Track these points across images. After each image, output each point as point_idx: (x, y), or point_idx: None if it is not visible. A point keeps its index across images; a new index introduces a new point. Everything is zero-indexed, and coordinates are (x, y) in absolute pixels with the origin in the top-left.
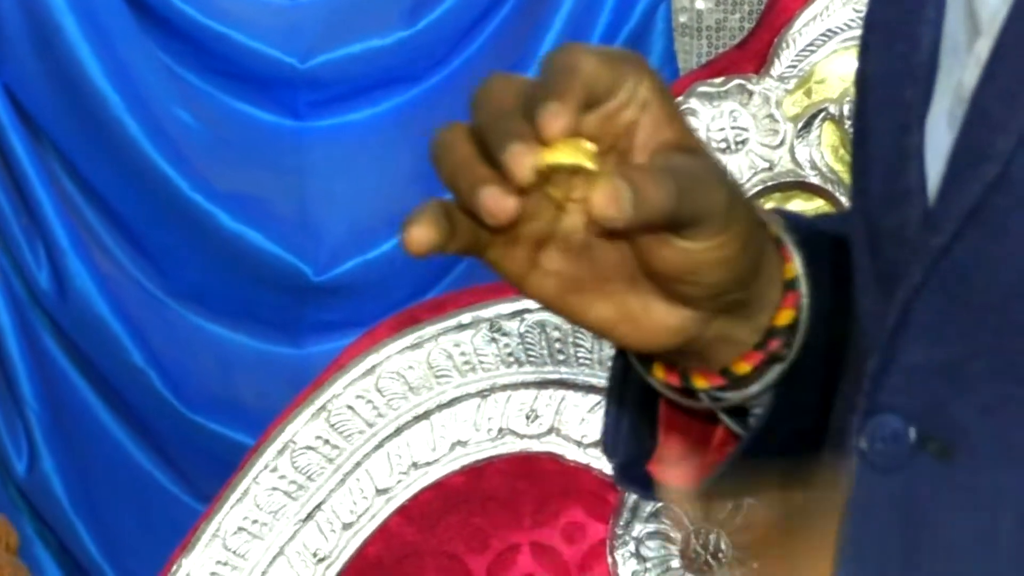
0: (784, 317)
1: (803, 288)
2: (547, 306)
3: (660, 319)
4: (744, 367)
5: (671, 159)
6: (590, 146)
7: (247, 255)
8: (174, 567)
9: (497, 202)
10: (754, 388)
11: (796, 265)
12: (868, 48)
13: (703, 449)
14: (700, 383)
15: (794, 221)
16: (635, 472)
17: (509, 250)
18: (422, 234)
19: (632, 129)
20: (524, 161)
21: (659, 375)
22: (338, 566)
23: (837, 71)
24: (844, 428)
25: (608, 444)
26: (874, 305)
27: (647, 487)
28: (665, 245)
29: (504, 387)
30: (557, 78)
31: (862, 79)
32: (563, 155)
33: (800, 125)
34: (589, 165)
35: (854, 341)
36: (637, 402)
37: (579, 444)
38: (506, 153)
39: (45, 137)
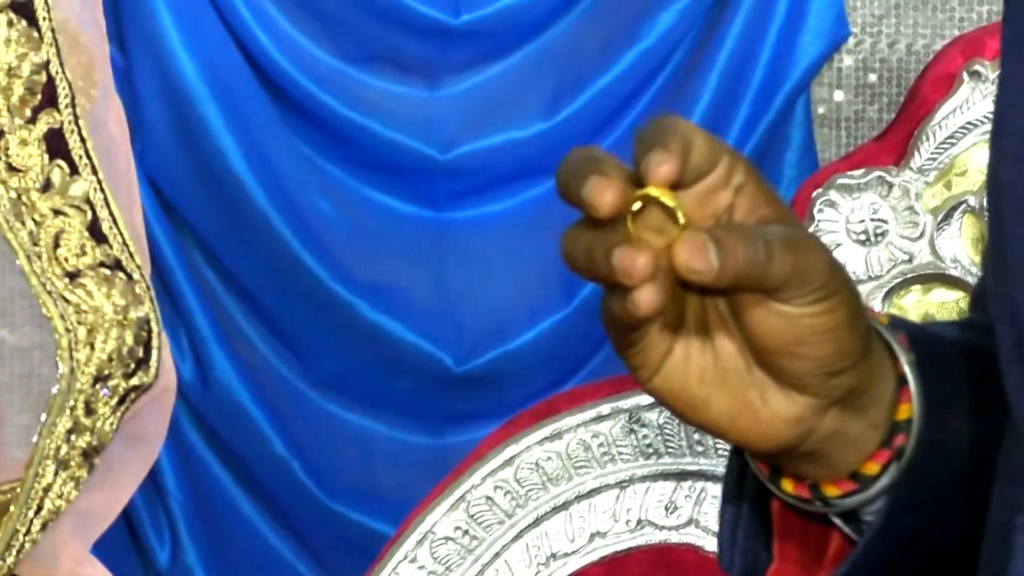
0: (904, 411)
1: (912, 381)
2: (669, 401)
3: (777, 408)
4: (873, 468)
5: (763, 226)
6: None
7: (387, 345)
8: None
9: (629, 258)
10: (874, 490)
11: (906, 360)
12: (1001, 154)
13: (821, 556)
14: (831, 492)
15: (902, 323)
16: None
17: (651, 340)
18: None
19: (729, 212)
20: (603, 190)
21: (788, 489)
22: None
23: (977, 163)
24: (1002, 526)
25: (724, 557)
26: None
27: None
28: (769, 312)
29: (643, 478)
30: (660, 133)
31: (995, 185)
32: (659, 193)
33: (940, 217)
34: (680, 215)
35: (1007, 442)
36: (753, 507)
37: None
38: (586, 185)
39: (187, 227)
